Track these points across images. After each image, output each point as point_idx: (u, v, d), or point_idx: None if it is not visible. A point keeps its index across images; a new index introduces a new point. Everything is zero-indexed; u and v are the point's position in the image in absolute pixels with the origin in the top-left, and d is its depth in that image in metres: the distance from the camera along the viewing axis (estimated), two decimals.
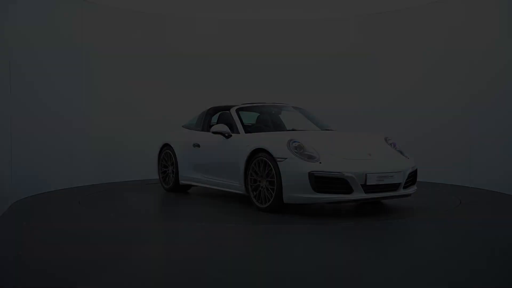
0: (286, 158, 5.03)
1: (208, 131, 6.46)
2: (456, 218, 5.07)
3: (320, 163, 4.97)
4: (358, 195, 4.95)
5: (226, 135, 6.02)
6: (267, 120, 6.54)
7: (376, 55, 9.15)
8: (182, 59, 9.37)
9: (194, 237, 4.28)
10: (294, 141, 5.14)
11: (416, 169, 5.58)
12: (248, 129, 6.13)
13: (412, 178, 5.50)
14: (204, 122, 6.91)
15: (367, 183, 4.97)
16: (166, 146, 7.34)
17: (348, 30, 9.46)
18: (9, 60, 6.04)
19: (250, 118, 6.83)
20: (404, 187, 5.34)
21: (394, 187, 5.21)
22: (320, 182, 4.90)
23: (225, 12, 9.63)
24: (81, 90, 7.97)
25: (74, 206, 5.90)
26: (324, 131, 6.39)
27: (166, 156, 7.30)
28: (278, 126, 6.47)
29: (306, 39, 9.74)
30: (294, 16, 9.80)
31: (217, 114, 6.85)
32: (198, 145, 6.61)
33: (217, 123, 6.47)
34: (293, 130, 6.29)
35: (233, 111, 6.38)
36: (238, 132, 6.01)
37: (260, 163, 5.32)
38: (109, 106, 8.50)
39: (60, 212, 5.49)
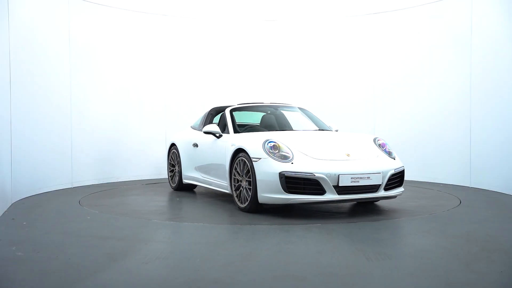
0: (260, 158, 5.07)
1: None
2: (456, 218, 5.06)
3: (292, 163, 4.95)
4: (331, 196, 4.88)
5: (217, 135, 6.13)
6: (270, 120, 6.55)
7: (376, 54, 9.15)
8: (182, 60, 9.37)
9: (194, 237, 4.28)
10: (270, 141, 5.15)
11: (403, 171, 5.46)
12: (239, 129, 6.17)
13: (398, 179, 5.39)
14: (205, 122, 7.03)
15: (340, 184, 4.87)
16: (173, 145, 7.53)
17: (347, 30, 9.45)
18: (9, 59, 6.04)
19: (252, 118, 6.88)
20: (387, 189, 5.20)
21: (372, 188, 5.08)
22: (291, 182, 4.89)
23: (229, 12, 9.63)
24: (81, 90, 7.97)
25: (74, 206, 5.90)
26: (312, 131, 6.27)
27: (173, 155, 7.49)
28: (280, 126, 6.43)
29: (306, 40, 9.74)
30: (294, 17, 9.80)
31: (220, 114, 6.89)
32: (197, 145, 6.70)
33: (218, 123, 6.51)
34: (286, 130, 6.25)
35: (227, 111, 6.48)
36: (228, 132, 6.09)
37: (240, 163, 5.39)
38: (110, 107, 8.50)
39: (60, 212, 5.49)
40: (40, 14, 7.10)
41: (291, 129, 6.37)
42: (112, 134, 8.54)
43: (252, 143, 5.27)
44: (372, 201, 5.73)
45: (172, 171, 7.51)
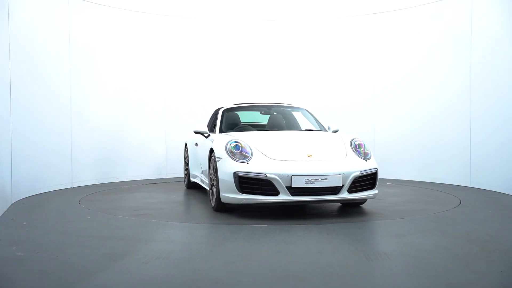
0: (222, 158, 5.14)
1: (211, 131, 6.56)
2: (456, 218, 5.06)
3: (248, 163, 4.95)
4: (284, 197, 4.82)
5: (206, 135, 6.22)
6: (274, 121, 6.56)
7: (376, 54, 9.15)
8: (182, 60, 9.36)
9: (194, 237, 4.28)
10: (232, 142, 5.18)
11: (374, 173, 5.22)
12: (226, 129, 6.24)
13: (369, 182, 5.20)
14: (209, 122, 7.16)
15: (293, 186, 4.80)
16: (186, 145, 7.83)
17: (347, 30, 9.45)
18: (9, 60, 6.04)
19: (260, 118, 7.07)
20: (352, 191, 5.03)
21: (332, 190, 4.93)
22: (245, 182, 4.90)
23: (229, 12, 9.62)
24: (82, 90, 7.97)
25: (74, 206, 5.90)
26: (289, 131, 6.18)
27: (186, 154, 7.77)
28: (271, 126, 6.45)
29: (306, 40, 9.74)
30: (294, 17, 9.80)
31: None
32: (197, 145, 6.86)
33: (210, 122, 6.67)
34: (273, 130, 6.26)
35: (220, 111, 6.60)
36: (215, 132, 6.22)
37: (212, 162, 5.49)
38: (110, 107, 8.50)
39: (60, 212, 5.49)
40: (40, 14, 7.10)
41: (282, 129, 6.34)
42: (112, 134, 8.55)
43: (219, 143, 5.35)
44: (342, 203, 5.62)
45: (186, 169, 7.77)
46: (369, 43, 9.21)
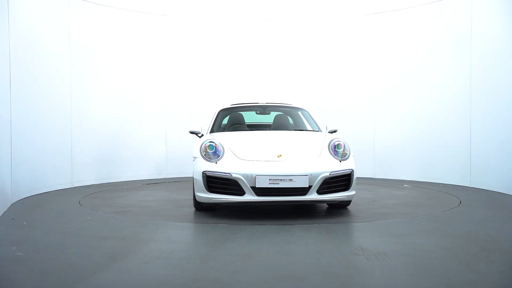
0: (196, 157, 5.21)
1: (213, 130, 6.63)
2: (456, 218, 5.06)
3: (216, 163, 5.00)
4: (250, 197, 4.83)
5: (199, 135, 6.22)
6: (278, 120, 6.57)
7: (376, 54, 9.15)
8: (182, 59, 9.37)
9: (194, 237, 4.27)
10: (207, 141, 5.25)
11: (349, 174, 5.07)
12: (218, 129, 6.32)
13: (343, 183, 5.07)
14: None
15: (257, 186, 4.80)
16: None
17: (347, 30, 9.46)
18: (9, 60, 6.04)
19: (265, 118, 7.15)
20: (322, 193, 4.93)
21: (299, 191, 4.86)
22: (212, 182, 4.96)
23: (229, 12, 9.62)
24: (82, 90, 7.97)
25: (74, 206, 5.90)
26: (273, 131, 6.20)
27: None
28: (262, 126, 6.49)
29: (306, 40, 9.74)
30: (294, 17, 9.80)
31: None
32: None
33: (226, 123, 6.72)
34: (261, 130, 6.33)
35: (216, 111, 6.67)
36: (207, 132, 6.28)
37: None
38: (110, 107, 8.51)
39: (60, 212, 5.49)
40: (40, 14, 7.10)
41: (274, 129, 6.36)
42: (112, 134, 8.55)
43: (197, 143, 5.41)
44: (329, 204, 5.53)
45: None
46: (369, 43, 9.22)
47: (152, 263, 3.40)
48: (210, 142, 5.24)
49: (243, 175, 4.82)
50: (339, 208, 5.59)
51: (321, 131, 6.29)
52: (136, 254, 3.65)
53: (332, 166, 5.02)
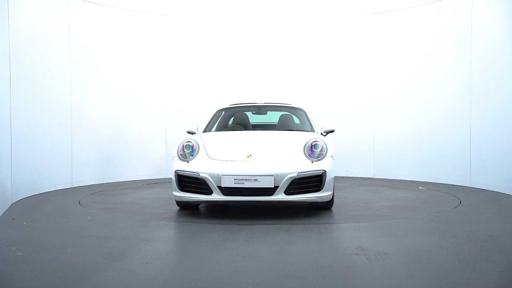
0: (174, 157, 5.31)
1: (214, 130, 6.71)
2: (456, 218, 5.06)
3: (188, 162, 5.10)
4: (217, 197, 4.89)
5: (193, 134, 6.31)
6: (282, 120, 6.58)
7: (376, 54, 9.15)
8: (182, 59, 9.37)
9: (194, 237, 4.27)
10: (186, 141, 5.36)
11: (320, 175, 4.96)
12: (211, 129, 6.44)
13: (315, 184, 4.97)
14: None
15: (222, 185, 4.84)
16: None
17: (348, 30, 9.46)
18: (9, 59, 6.04)
19: (270, 118, 7.26)
20: (291, 193, 4.87)
21: (265, 191, 4.83)
22: (183, 181, 5.09)
23: (229, 12, 9.62)
24: (82, 90, 7.97)
25: (74, 206, 5.90)
26: (258, 131, 6.20)
27: None
28: (255, 126, 6.56)
29: (306, 40, 9.74)
30: (294, 17, 9.80)
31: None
32: None
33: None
34: (251, 130, 6.37)
35: (214, 111, 6.78)
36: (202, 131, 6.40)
37: None
38: (110, 107, 8.50)
39: (60, 212, 5.49)
40: (40, 14, 7.10)
41: (278, 129, 6.36)
42: (112, 134, 8.55)
43: (179, 142, 5.49)
44: (273, 204, 5.38)
45: None
46: (369, 43, 9.22)
47: (152, 263, 3.40)
48: (188, 142, 5.36)
49: (210, 175, 4.90)
50: (324, 210, 5.48)
51: (314, 131, 6.25)
52: (136, 254, 3.65)
53: (302, 167, 4.95)
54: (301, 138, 5.46)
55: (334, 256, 3.59)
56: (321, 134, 6.26)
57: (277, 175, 4.83)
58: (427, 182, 8.29)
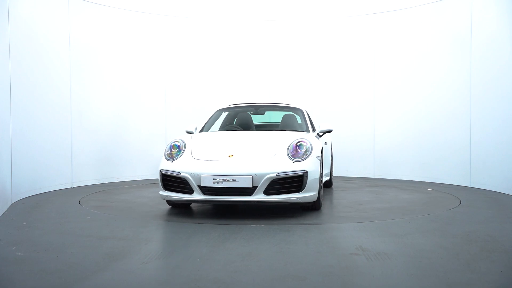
0: (161, 156, 5.41)
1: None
2: (456, 218, 5.06)
3: (172, 162, 5.18)
4: (197, 196, 4.95)
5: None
6: (285, 120, 6.59)
7: (376, 54, 9.15)
8: (182, 59, 9.36)
9: (194, 237, 4.27)
10: (173, 141, 5.46)
11: (301, 175, 4.90)
12: (208, 129, 6.49)
13: (296, 184, 4.92)
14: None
15: (202, 185, 4.89)
16: None
17: (347, 30, 9.45)
18: (9, 59, 6.04)
19: (274, 118, 7.31)
20: (271, 193, 4.84)
21: (244, 191, 4.83)
22: (167, 180, 5.18)
23: (229, 12, 9.62)
24: (82, 90, 7.97)
25: (74, 206, 5.90)
26: (241, 131, 6.22)
27: None
28: (250, 126, 6.56)
29: (306, 40, 9.74)
30: (294, 17, 9.80)
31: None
32: None
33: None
34: (245, 130, 6.40)
35: (213, 111, 6.85)
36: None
37: None
38: (110, 107, 8.50)
39: (60, 212, 5.49)
40: (40, 14, 7.10)
41: (282, 129, 6.37)
42: (112, 134, 8.55)
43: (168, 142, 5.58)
44: (253, 205, 5.43)
45: None
46: (369, 43, 9.21)
47: (152, 263, 3.40)
48: (175, 142, 5.45)
49: (191, 174, 4.96)
50: (312, 210, 5.42)
51: (309, 131, 6.22)
52: (136, 254, 3.65)
53: (282, 167, 4.92)
54: (287, 138, 5.42)
55: (334, 256, 3.59)
56: (317, 134, 6.25)
57: (255, 175, 4.83)
58: (427, 182, 8.29)
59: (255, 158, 5.05)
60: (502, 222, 4.87)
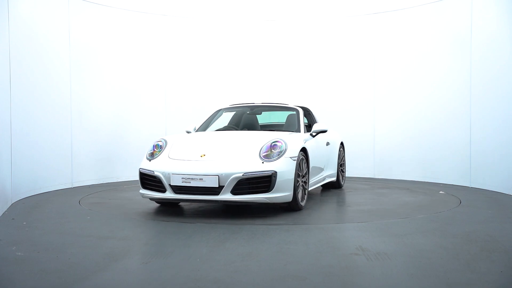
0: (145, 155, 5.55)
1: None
2: (456, 218, 5.06)
3: (150, 161, 5.32)
4: (169, 195, 5.09)
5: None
6: (289, 120, 6.60)
7: (376, 54, 9.15)
8: (182, 59, 9.36)
9: (194, 237, 4.27)
10: (157, 141, 5.60)
11: (269, 176, 4.87)
12: (204, 129, 6.55)
13: (264, 185, 4.89)
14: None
15: (171, 184, 5.03)
16: None
17: (348, 30, 9.45)
18: (9, 59, 6.04)
19: (278, 118, 7.27)
20: (239, 193, 4.87)
21: (212, 190, 4.89)
22: (144, 179, 5.34)
23: (229, 12, 9.62)
24: (82, 90, 7.97)
25: (74, 206, 5.90)
26: (229, 131, 6.23)
27: None
28: (247, 126, 6.57)
29: (306, 40, 9.74)
30: (294, 17, 9.79)
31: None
32: None
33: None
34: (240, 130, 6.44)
35: (212, 112, 6.95)
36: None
37: None
38: (110, 107, 8.50)
39: (60, 212, 5.49)
40: (40, 14, 7.10)
41: (284, 129, 6.38)
42: (112, 134, 8.55)
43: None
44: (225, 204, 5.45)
45: None
46: (369, 43, 9.21)
47: (152, 263, 3.40)
48: (158, 141, 5.59)
49: (162, 173, 5.09)
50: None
51: (300, 131, 6.20)
52: (136, 254, 3.65)
53: (250, 167, 4.92)
54: (265, 138, 5.41)
55: (334, 256, 3.59)
56: (310, 134, 6.24)
57: (221, 174, 4.89)
58: (427, 182, 8.29)
59: (224, 158, 5.13)
60: (502, 222, 4.87)
